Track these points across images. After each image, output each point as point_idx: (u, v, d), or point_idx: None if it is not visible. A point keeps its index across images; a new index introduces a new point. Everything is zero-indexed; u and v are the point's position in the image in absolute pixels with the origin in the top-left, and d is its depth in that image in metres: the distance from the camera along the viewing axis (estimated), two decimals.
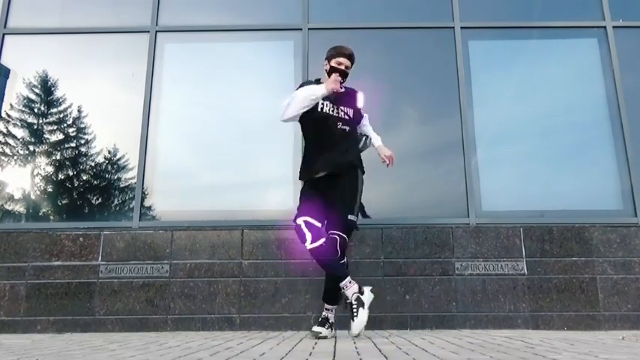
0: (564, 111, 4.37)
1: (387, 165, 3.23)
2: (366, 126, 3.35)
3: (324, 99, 3.09)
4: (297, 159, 4.15)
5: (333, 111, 3.11)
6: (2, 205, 4.29)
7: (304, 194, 3.11)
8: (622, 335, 3.09)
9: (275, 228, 3.92)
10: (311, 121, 3.12)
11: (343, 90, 3.12)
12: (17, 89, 4.55)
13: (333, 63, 3.09)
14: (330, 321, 3.03)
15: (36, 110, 4.58)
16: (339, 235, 2.89)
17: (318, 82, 3.19)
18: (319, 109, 3.09)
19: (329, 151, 3.06)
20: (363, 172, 3.16)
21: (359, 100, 3.23)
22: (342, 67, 3.08)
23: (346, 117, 3.14)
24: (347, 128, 3.13)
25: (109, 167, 4.40)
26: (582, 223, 3.93)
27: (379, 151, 3.25)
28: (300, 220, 2.96)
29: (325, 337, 2.90)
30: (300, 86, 3.21)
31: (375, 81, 4.22)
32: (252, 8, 4.63)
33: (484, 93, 4.37)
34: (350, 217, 2.96)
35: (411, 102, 4.44)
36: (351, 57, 3.12)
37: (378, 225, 3.91)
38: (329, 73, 3.10)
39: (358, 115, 3.25)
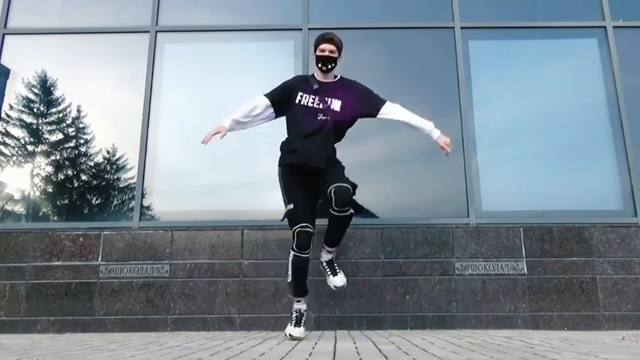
0: (564, 111, 4.36)
1: (447, 154, 3.18)
2: (394, 113, 3.16)
3: (303, 92, 3.11)
4: None
5: (312, 103, 3.10)
6: (2, 206, 4.29)
7: (291, 195, 3.08)
8: (622, 335, 3.09)
9: (275, 228, 3.92)
10: (291, 113, 3.15)
11: (330, 81, 3.15)
12: (17, 89, 4.54)
13: (317, 52, 3.13)
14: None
15: (36, 110, 4.57)
16: (346, 186, 2.87)
17: (312, 77, 3.23)
18: (297, 102, 3.11)
19: (311, 142, 3.02)
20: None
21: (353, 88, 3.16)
22: (326, 53, 3.08)
23: (329, 108, 3.07)
24: (327, 118, 3.06)
25: (109, 167, 4.40)
26: (582, 223, 3.92)
27: (438, 141, 3.16)
28: (296, 229, 2.93)
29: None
30: (296, 77, 3.36)
31: (375, 81, 4.21)
32: (252, 8, 4.62)
33: (484, 93, 4.36)
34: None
35: (411, 102, 4.36)
36: (332, 40, 3.09)
37: (378, 225, 3.91)
38: (316, 63, 3.14)
39: (354, 105, 3.13)
